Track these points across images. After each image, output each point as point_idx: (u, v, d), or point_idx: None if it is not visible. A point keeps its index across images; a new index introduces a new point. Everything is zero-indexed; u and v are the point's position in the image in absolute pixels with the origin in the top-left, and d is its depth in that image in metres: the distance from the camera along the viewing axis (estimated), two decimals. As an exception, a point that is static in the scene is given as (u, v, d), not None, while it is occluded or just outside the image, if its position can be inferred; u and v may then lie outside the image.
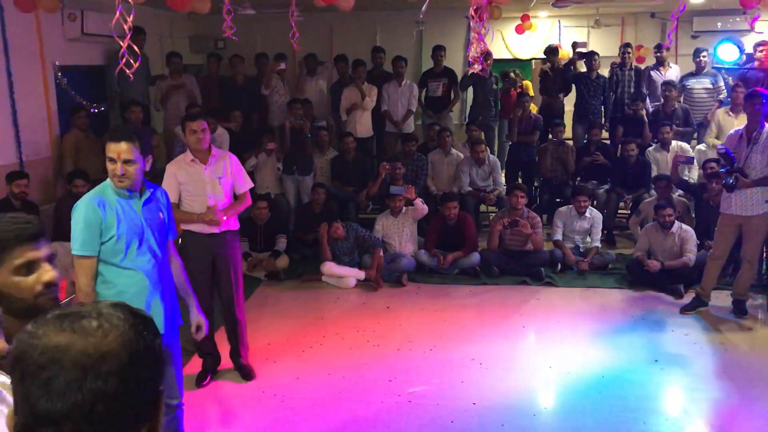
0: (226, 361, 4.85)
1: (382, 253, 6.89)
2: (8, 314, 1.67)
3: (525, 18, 10.02)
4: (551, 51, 9.44)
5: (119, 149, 3.04)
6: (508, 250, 7.05)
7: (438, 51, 9.08)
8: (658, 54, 8.88)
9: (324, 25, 10.15)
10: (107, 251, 3.08)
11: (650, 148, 8.21)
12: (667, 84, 8.45)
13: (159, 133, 8.54)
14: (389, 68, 9.10)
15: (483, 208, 8.46)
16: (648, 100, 8.84)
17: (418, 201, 7.29)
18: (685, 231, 6.55)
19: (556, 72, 9.36)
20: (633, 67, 9.08)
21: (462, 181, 8.10)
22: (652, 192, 7.68)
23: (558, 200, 8.29)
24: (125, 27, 3.94)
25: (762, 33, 8.45)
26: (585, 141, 8.71)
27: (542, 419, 4.22)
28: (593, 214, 7.31)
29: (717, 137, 7.90)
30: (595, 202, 7.94)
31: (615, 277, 6.81)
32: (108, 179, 3.12)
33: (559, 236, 7.21)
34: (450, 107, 9.30)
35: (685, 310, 5.89)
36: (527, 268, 6.88)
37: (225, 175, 4.53)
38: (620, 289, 6.54)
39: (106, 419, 0.90)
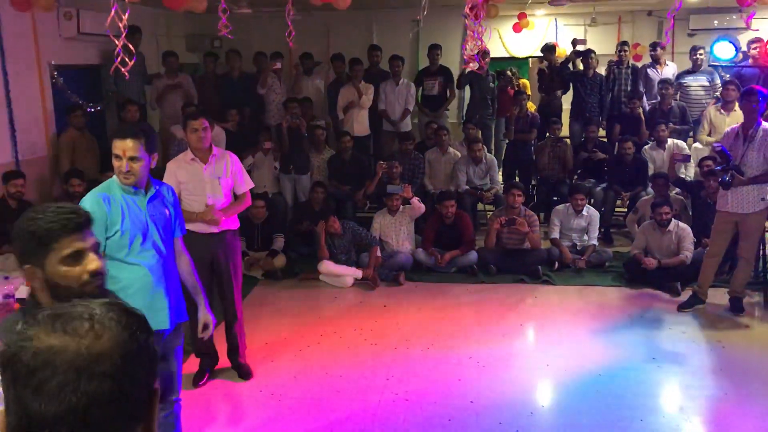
0: (223, 361, 4.85)
1: (379, 252, 6.90)
2: (54, 300, 1.71)
3: (522, 16, 10.02)
4: (548, 49, 9.45)
5: (125, 146, 3.08)
6: (505, 249, 7.05)
7: (434, 50, 9.07)
8: (655, 52, 8.89)
9: (320, 23, 10.14)
10: (112, 246, 3.10)
11: (646, 147, 8.23)
12: (664, 82, 8.46)
13: (155, 132, 8.52)
14: (386, 67, 9.10)
15: (480, 206, 8.46)
16: (645, 98, 8.85)
17: (415, 200, 7.29)
18: (682, 229, 6.56)
19: (553, 70, 9.36)
20: (630, 65, 9.10)
21: (459, 180, 8.10)
22: (649, 190, 7.69)
23: (555, 198, 8.30)
24: (120, 26, 3.93)
25: (758, 30, 8.47)
26: (582, 139, 8.71)
27: (540, 417, 4.22)
28: (590, 212, 7.32)
29: (709, 135, 7.93)
30: (592, 200, 7.94)
31: (612, 275, 6.82)
32: (115, 176, 3.16)
33: (556, 234, 7.21)
34: (446, 106, 9.29)
35: (682, 307, 5.90)
36: (525, 266, 6.88)
37: (225, 175, 4.53)
38: (617, 287, 6.55)
39: (101, 421, 0.90)
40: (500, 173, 8.85)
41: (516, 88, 9.56)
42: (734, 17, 9.38)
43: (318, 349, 5.24)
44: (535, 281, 6.72)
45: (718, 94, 8.49)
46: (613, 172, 8.16)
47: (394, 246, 7.12)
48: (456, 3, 8.21)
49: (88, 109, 7.64)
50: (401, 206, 7.18)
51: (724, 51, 8.91)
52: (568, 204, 7.32)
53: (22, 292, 4.84)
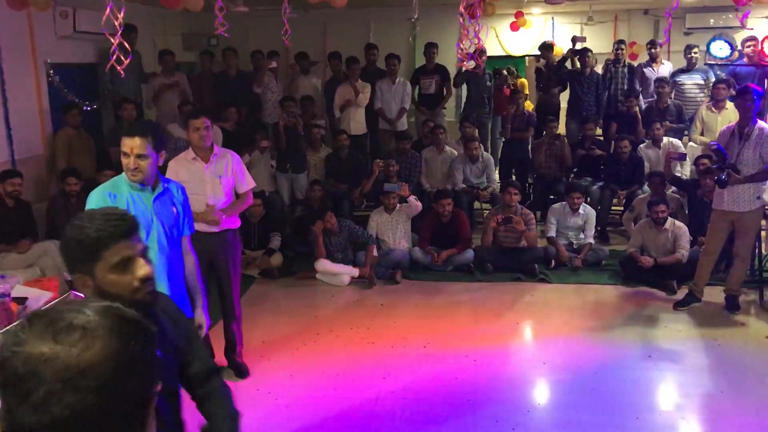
0: (220, 359, 4.84)
1: (376, 251, 6.90)
2: None
3: (519, 15, 10.03)
4: (546, 47, 9.45)
5: (133, 144, 3.14)
6: (501, 247, 7.06)
7: (430, 48, 9.08)
8: (652, 50, 8.91)
9: (317, 21, 10.13)
10: None
11: (642, 145, 8.24)
12: (660, 80, 8.48)
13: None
14: (383, 65, 9.10)
15: (477, 205, 8.47)
16: (641, 97, 8.87)
17: (412, 198, 7.30)
18: (678, 227, 6.58)
19: (550, 69, 9.37)
20: (626, 63, 9.11)
21: (456, 178, 8.10)
22: (646, 188, 7.70)
23: (551, 197, 8.31)
24: (116, 24, 3.93)
25: (752, 29, 8.50)
26: (580, 137, 8.73)
27: (536, 415, 4.23)
28: (587, 211, 7.33)
29: (702, 134, 7.97)
30: (588, 199, 7.96)
31: (608, 274, 6.83)
32: (123, 173, 3.23)
33: (552, 233, 7.22)
34: (443, 104, 9.30)
35: (678, 305, 5.91)
36: (521, 264, 6.89)
37: (226, 174, 4.53)
38: (614, 286, 6.56)
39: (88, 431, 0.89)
40: (497, 172, 8.86)
41: (512, 87, 9.57)
42: (730, 16, 9.40)
43: (315, 347, 5.25)
44: (532, 279, 6.73)
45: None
46: (610, 171, 8.17)
47: (391, 244, 7.12)
48: (453, 1, 8.22)
49: (84, 108, 7.62)
50: (398, 204, 7.18)
51: (720, 50, 8.94)
52: (564, 202, 7.33)
53: (19, 291, 4.82)
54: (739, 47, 8.68)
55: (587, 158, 8.44)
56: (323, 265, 6.74)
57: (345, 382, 4.65)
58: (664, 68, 8.94)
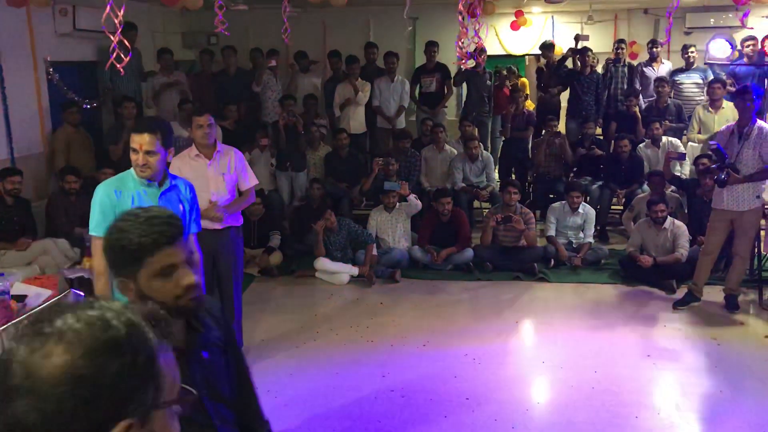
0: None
1: (375, 250, 6.90)
2: None
3: (519, 14, 10.03)
4: (547, 47, 9.45)
5: (142, 140, 3.18)
6: (501, 246, 7.06)
7: (431, 47, 9.08)
8: (653, 50, 8.91)
9: (317, 20, 10.13)
10: None
11: (641, 145, 8.24)
12: (660, 80, 8.49)
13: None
14: (382, 64, 9.10)
15: (476, 204, 8.47)
16: (641, 97, 8.87)
17: (412, 197, 7.30)
18: (677, 226, 6.58)
19: (550, 68, 9.37)
20: (626, 63, 9.11)
21: (455, 177, 8.10)
22: (645, 188, 7.70)
23: (551, 196, 8.31)
24: (116, 22, 3.92)
25: (752, 29, 8.50)
26: (580, 137, 8.73)
27: (535, 414, 4.23)
28: (586, 210, 7.33)
29: (699, 133, 7.97)
30: (588, 198, 7.96)
31: (608, 273, 6.83)
32: (131, 168, 3.28)
33: (552, 232, 7.22)
34: (443, 102, 9.30)
35: (677, 305, 5.91)
36: (520, 263, 6.89)
37: (229, 171, 4.55)
38: (613, 285, 6.56)
39: None
40: (496, 171, 8.86)
41: (512, 86, 9.56)
42: (730, 15, 9.40)
43: (314, 346, 5.25)
44: (531, 279, 6.73)
45: None
46: (609, 170, 8.17)
47: (391, 243, 7.13)
48: (453, 0, 8.22)
49: (84, 106, 7.62)
50: (398, 203, 7.18)
51: (719, 50, 8.94)
52: (564, 202, 7.33)
53: (18, 288, 4.82)
54: (739, 47, 8.68)
55: (587, 157, 8.44)
56: (323, 263, 6.74)
57: (344, 380, 4.65)
58: (663, 68, 8.95)
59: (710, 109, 7.93)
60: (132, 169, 3.29)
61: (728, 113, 7.49)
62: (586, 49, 9.01)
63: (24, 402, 0.83)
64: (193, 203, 3.48)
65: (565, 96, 9.37)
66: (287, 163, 8.08)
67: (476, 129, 8.86)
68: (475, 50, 5.48)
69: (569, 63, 9.26)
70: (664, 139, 8.08)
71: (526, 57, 11.47)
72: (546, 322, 5.70)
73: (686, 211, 7.31)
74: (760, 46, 8.44)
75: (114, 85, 7.94)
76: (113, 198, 3.19)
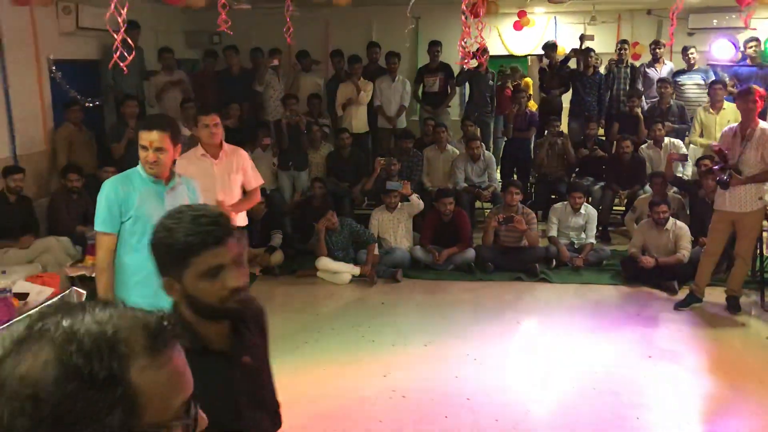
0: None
1: (377, 250, 6.90)
2: (197, 315, 1.62)
3: (522, 14, 10.02)
4: (549, 47, 9.44)
5: (152, 138, 3.18)
6: (503, 247, 7.06)
7: (434, 46, 9.08)
8: (656, 50, 8.91)
9: (320, 20, 10.12)
10: (124, 231, 3.23)
11: (643, 146, 8.24)
12: (663, 81, 8.48)
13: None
14: (384, 64, 9.10)
15: (478, 204, 8.47)
16: (643, 97, 8.86)
17: (414, 196, 7.30)
18: (679, 228, 6.57)
19: (553, 69, 9.36)
20: (629, 63, 9.10)
21: (457, 177, 8.10)
22: (647, 189, 7.70)
23: (553, 197, 8.31)
24: (119, 20, 3.92)
25: (756, 30, 8.49)
26: (582, 137, 8.73)
27: (536, 414, 4.22)
28: (588, 211, 7.32)
29: (701, 135, 7.96)
30: (590, 199, 7.95)
31: (609, 274, 6.83)
32: (138, 166, 3.29)
33: (554, 233, 7.22)
34: (447, 102, 9.30)
35: (679, 306, 5.91)
36: (522, 264, 6.89)
37: (235, 171, 4.55)
38: (615, 286, 6.56)
39: None
40: (498, 171, 8.85)
41: (513, 87, 9.56)
42: (733, 16, 9.39)
43: (315, 345, 5.25)
44: (533, 279, 6.73)
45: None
46: (611, 171, 8.17)
47: (392, 243, 7.13)
48: None
49: (87, 104, 7.63)
50: (399, 203, 7.18)
51: (722, 50, 8.93)
52: (566, 202, 7.33)
53: (20, 286, 4.83)
54: (741, 48, 8.67)
55: (589, 158, 8.44)
56: (324, 263, 6.74)
57: (346, 380, 4.65)
58: (665, 68, 8.94)
59: (711, 110, 7.92)
60: (138, 167, 3.28)
61: (729, 114, 7.48)
62: (588, 50, 9.01)
63: None
64: (197, 201, 3.50)
65: (567, 96, 9.37)
66: (289, 163, 8.08)
67: (478, 129, 8.86)
68: (477, 50, 5.47)
69: (572, 63, 9.26)
70: (667, 140, 8.08)
71: (529, 57, 11.46)
72: (547, 323, 5.70)
73: (688, 212, 7.30)
74: (762, 48, 8.43)
75: (116, 84, 7.94)
76: (120, 195, 3.19)
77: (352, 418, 4.15)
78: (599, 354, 5.04)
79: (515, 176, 8.69)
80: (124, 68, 4.18)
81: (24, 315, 4.37)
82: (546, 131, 8.71)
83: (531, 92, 10.49)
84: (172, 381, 0.86)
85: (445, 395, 4.39)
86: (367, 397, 4.37)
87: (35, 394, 0.76)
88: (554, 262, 7.01)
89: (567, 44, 10.07)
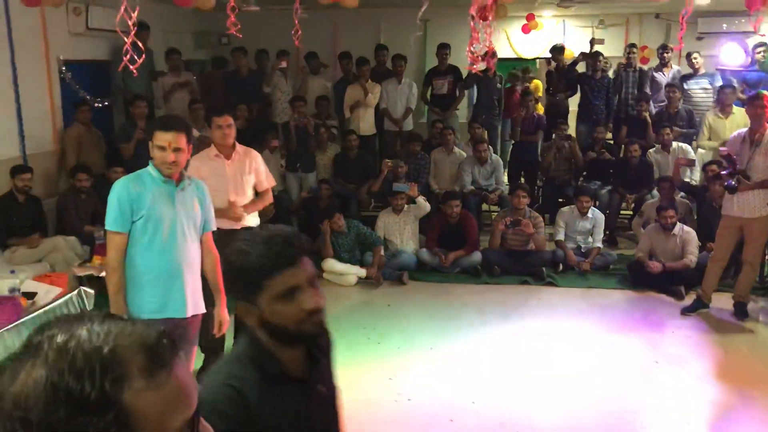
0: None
1: (383, 252, 6.90)
2: (273, 339, 1.54)
3: (530, 17, 10.01)
4: (557, 50, 9.43)
5: (170, 138, 3.20)
6: (509, 250, 7.05)
7: (443, 49, 9.08)
8: (663, 55, 8.89)
9: (328, 22, 10.14)
10: (135, 231, 3.25)
11: (651, 150, 8.22)
12: (671, 85, 8.47)
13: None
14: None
15: (485, 207, 8.46)
16: (651, 102, 8.84)
17: (421, 198, 7.30)
18: (686, 232, 6.55)
19: (560, 72, 9.35)
20: (637, 67, 9.09)
21: (464, 180, 8.10)
22: (655, 193, 7.68)
23: (560, 200, 8.30)
24: (130, 23, 3.94)
25: (765, 35, 8.46)
26: (590, 141, 8.71)
27: (541, 419, 4.22)
28: (595, 215, 7.31)
29: (709, 139, 7.93)
30: (597, 203, 7.94)
31: (616, 278, 6.81)
32: (148, 167, 3.30)
33: (561, 236, 7.20)
34: (455, 105, 9.31)
35: (685, 311, 5.89)
36: (528, 267, 6.88)
37: (247, 172, 4.57)
38: (621, 290, 6.55)
39: None
40: (505, 174, 8.85)
41: (522, 90, 9.55)
42: (743, 21, 9.36)
43: (321, 347, 5.24)
44: (539, 283, 6.72)
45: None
46: (619, 175, 8.15)
47: (399, 245, 7.13)
48: (463, 2, 8.22)
49: (96, 105, 7.66)
50: (406, 205, 7.18)
51: (732, 55, 8.91)
52: (573, 206, 7.32)
53: (28, 285, 4.86)
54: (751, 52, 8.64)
55: (597, 162, 8.42)
56: (330, 264, 6.75)
57: (351, 382, 4.64)
58: (671, 73, 8.93)
59: (720, 114, 7.89)
60: (149, 168, 3.29)
61: (739, 119, 7.45)
62: (597, 53, 9.00)
63: None
64: (206, 203, 3.53)
65: (575, 100, 9.36)
66: (297, 164, 8.10)
67: (486, 132, 8.85)
68: (486, 54, 5.46)
69: (581, 67, 9.25)
70: (675, 144, 8.06)
71: (537, 60, 11.45)
72: (553, 327, 5.69)
73: (696, 217, 7.28)
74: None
75: (126, 85, 7.98)
76: (132, 194, 3.21)
77: (357, 420, 4.15)
78: (605, 358, 5.03)
79: (522, 179, 8.68)
80: (134, 71, 4.20)
81: (30, 315, 4.40)
82: (554, 134, 8.70)
83: (540, 94, 10.46)
84: (170, 401, 0.81)
85: (450, 398, 4.39)
86: (372, 400, 4.38)
87: (26, 417, 0.73)
88: (561, 266, 7.00)
89: (576, 48, 10.05)
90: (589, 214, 7.23)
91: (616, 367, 4.89)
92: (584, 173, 8.61)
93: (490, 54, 6.44)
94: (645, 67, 9.33)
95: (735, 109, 7.72)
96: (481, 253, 7.02)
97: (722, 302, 5.96)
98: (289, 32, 5.42)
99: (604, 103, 8.94)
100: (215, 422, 1.02)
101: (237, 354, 1.58)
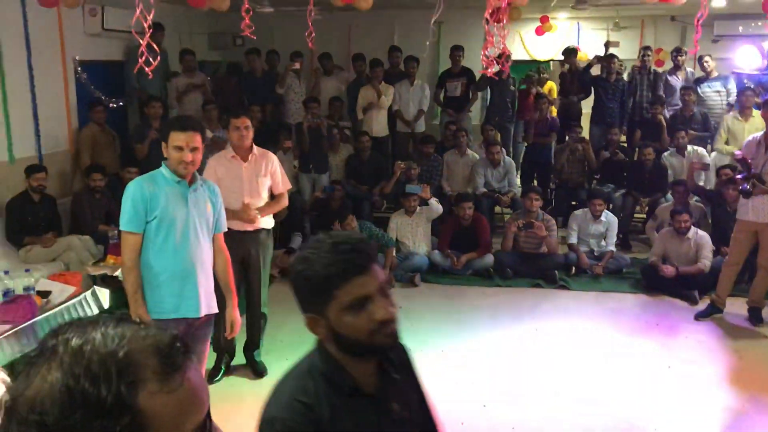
0: (238, 357, 4.88)
1: (395, 253, 6.90)
2: (343, 352, 1.48)
3: (544, 19, 9.97)
4: (570, 52, 9.40)
5: (188, 138, 3.23)
6: (522, 253, 7.03)
7: (456, 51, 9.07)
8: (677, 58, 8.84)
9: (342, 23, 10.16)
10: (150, 231, 3.29)
11: (666, 153, 8.17)
12: (686, 88, 8.42)
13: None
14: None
15: (497, 209, 8.45)
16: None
17: (434, 200, 7.29)
18: (700, 237, 6.51)
19: (574, 74, 9.32)
20: (652, 70, 9.04)
21: (477, 182, 8.09)
22: (669, 197, 7.63)
23: (574, 203, 8.26)
24: (145, 25, 3.97)
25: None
26: (603, 143, 8.67)
27: (553, 423, 4.20)
28: (609, 218, 7.27)
29: (727, 143, 7.87)
30: (611, 206, 7.89)
31: (629, 282, 6.78)
32: (161, 167, 3.33)
33: (574, 239, 7.18)
34: (469, 106, 9.30)
35: (699, 316, 5.86)
36: (541, 270, 6.86)
37: (264, 174, 4.58)
38: (634, 294, 6.51)
39: None
40: (518, 177, 8.82)
41: (536, 92, 9.52)
42: (759, 24, 9.28)
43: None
44: (552, 286, 6.70)
45: (731, 100, 8.44)
46: (633, 178, 8.11)
47: (411, 247, 7.13)
48: (477, 4, 8.20)
49: (111, 105, 7.72)
50: (419, 207, 7.18)
51: (748, 59, 8.85)
52: (586, 209, 7.29)
53: (43, 284, 4.89)
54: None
55: (610, 164, 8.38)
56: (342, 266, 6.74)
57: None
58: (686, 76, 8.88)
59: (739, 117, 7.83)
60: (162, 168, 3.32)
61: (758, 122, 7.39)
62: (611, 56, 8.96)
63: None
64: (219, 204, 3.56)
65: (588, 102, 9.32)
66: (310, 165, 8.11)
67: (498, 134, 8.82)
68: (500, 56, 5.45)
69: (595, 69, 9.20)
70: (689, 148, 8.01)
71: (551, 62, 11.41)
72: (566, 330, 5.66)
73: (710, 221, 7.23)
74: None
75: (141, 85, 8.03)
76: (146, 195, 3.24)
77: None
78: (618, 363, 5.00)
79: (535, 182, 8.66)
80: (150, 73, 4.22)
81: (45, 314, 4.44)
82: (567, 137, 8.67)
83: (555, 96, 10.42)
84: (183, 405, 0.82)
85: (460, 401, 4.38)
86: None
87: (42, 421, 0.74)
88: (573, 269, 6.98)
89: (590, 50, 10.00)
90: (603, 217, 7.20)
91: (629, 371, 4.86)
92: (597, 176, 8.58)
93: (505, 57, 6.42)
94: (659, 70, 9.27)
95: (754, 112, 7.66)
96: (493, 256, 7.01)
97: (736, 307, 5.92)
98: (303, 34, 5.43)
99: (619, 106, 8.89)
100: None
101: (306, 368, 1.52)
